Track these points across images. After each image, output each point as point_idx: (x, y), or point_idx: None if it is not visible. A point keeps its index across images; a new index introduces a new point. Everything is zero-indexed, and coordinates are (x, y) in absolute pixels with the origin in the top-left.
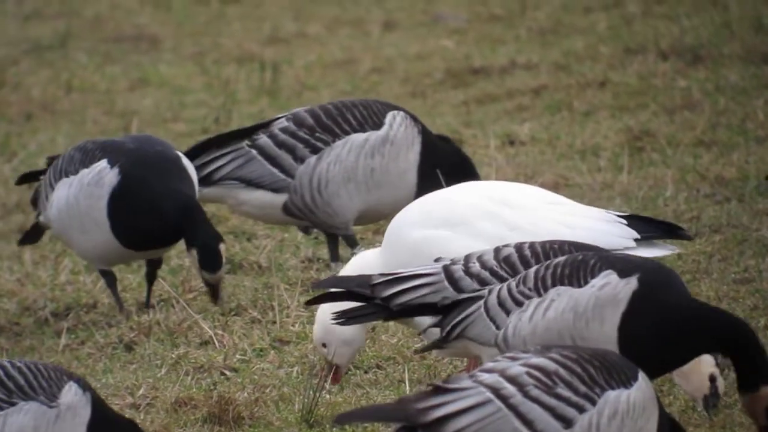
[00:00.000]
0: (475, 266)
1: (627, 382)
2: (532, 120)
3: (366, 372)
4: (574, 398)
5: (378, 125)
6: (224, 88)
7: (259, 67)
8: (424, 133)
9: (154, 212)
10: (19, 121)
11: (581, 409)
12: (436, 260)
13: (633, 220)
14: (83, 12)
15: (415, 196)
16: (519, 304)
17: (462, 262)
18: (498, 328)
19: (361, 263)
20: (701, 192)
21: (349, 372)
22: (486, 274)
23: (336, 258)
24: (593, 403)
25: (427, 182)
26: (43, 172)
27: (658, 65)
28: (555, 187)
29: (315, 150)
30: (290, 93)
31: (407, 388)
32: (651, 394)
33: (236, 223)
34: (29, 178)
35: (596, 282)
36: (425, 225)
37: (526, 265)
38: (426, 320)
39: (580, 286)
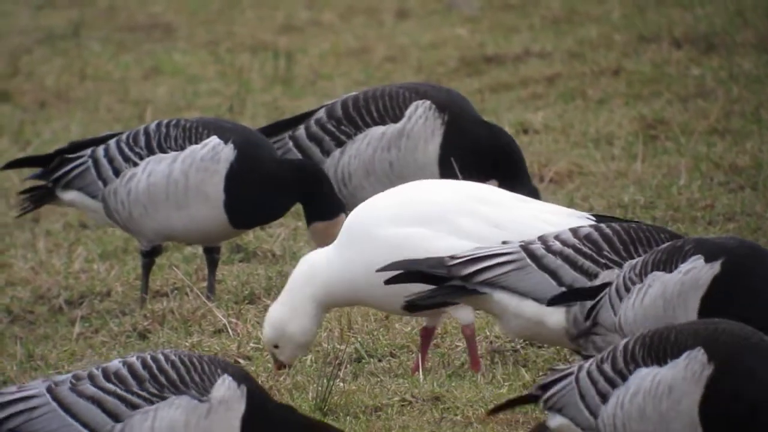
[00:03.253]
0: (556, 244)
1: (663, 360)
2: (546, 108)
3: (380, 360)
4: (611, 374)
5: (397, 118)
6: (238, 76)
7: (272, 55)
8: (451, 123)
9: (274, 187)
10: (32, 110)
11: (613, 384)
12: (503, 243)
13: (599, 218)
14: (97, 1)
15: None
16: (628, 290)
17: (539, 242)
18: (615, 314)
19: (313, 267)
20: (715, 180)
21: (363, 360)
22: (569, 251)
23: None
24: (624, 379)
25: (450, 175)
26: (46, 157)
27: (672, 53)
28: (569, 176)
29: (339, 143)
30: (304, 82)
31: (421, 376)
32: (689, 375)
33: None
34: (21, 164)
35: (683, 267)
36: (399, 223)
37: (608, 242)
38: (506, 298)
39: (670, 272)
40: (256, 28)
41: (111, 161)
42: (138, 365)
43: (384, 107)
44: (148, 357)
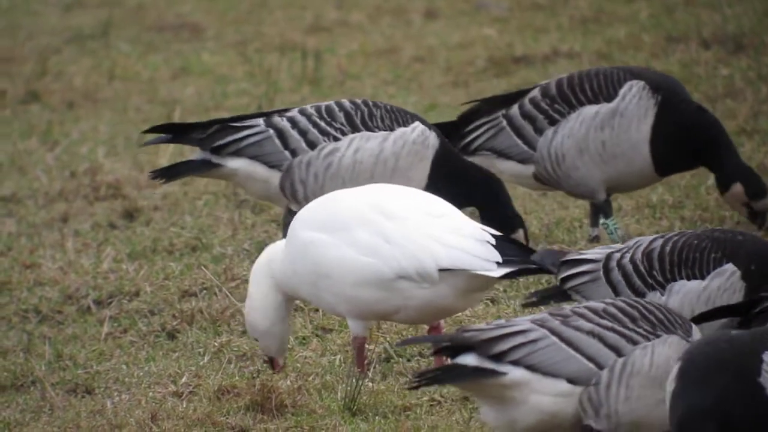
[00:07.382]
0: (626, 258)
1: None
2: None
3: (408, 360)
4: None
5: (611, 97)
6: (266, 77)
7: (301, 55)
8: (664, 104)
9: (464, 182)
10: (61, 110)
11: None
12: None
13: (502, 243)
14: (125, 1)
15: (652, 168)
16: None
17: (624, 249)
18: None
19: (270, 256)
20: None
21: (392, 360)
22: (629, 267)
23: (594, 223)
24: None
25: (663, 154)
26: (188, 126)
27: (701, 54)
28: None
29: (552, 122)
30: (332, 82)
31: None
32: None
33: (278, 211)
34: (163, 129)
35: None
36: (311, 226)
37: (661, 261)
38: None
39: None
40: (284, 28)
41: (303, 133)
42: (623, 305)
43: (598, 86)
44: (628, 299)
